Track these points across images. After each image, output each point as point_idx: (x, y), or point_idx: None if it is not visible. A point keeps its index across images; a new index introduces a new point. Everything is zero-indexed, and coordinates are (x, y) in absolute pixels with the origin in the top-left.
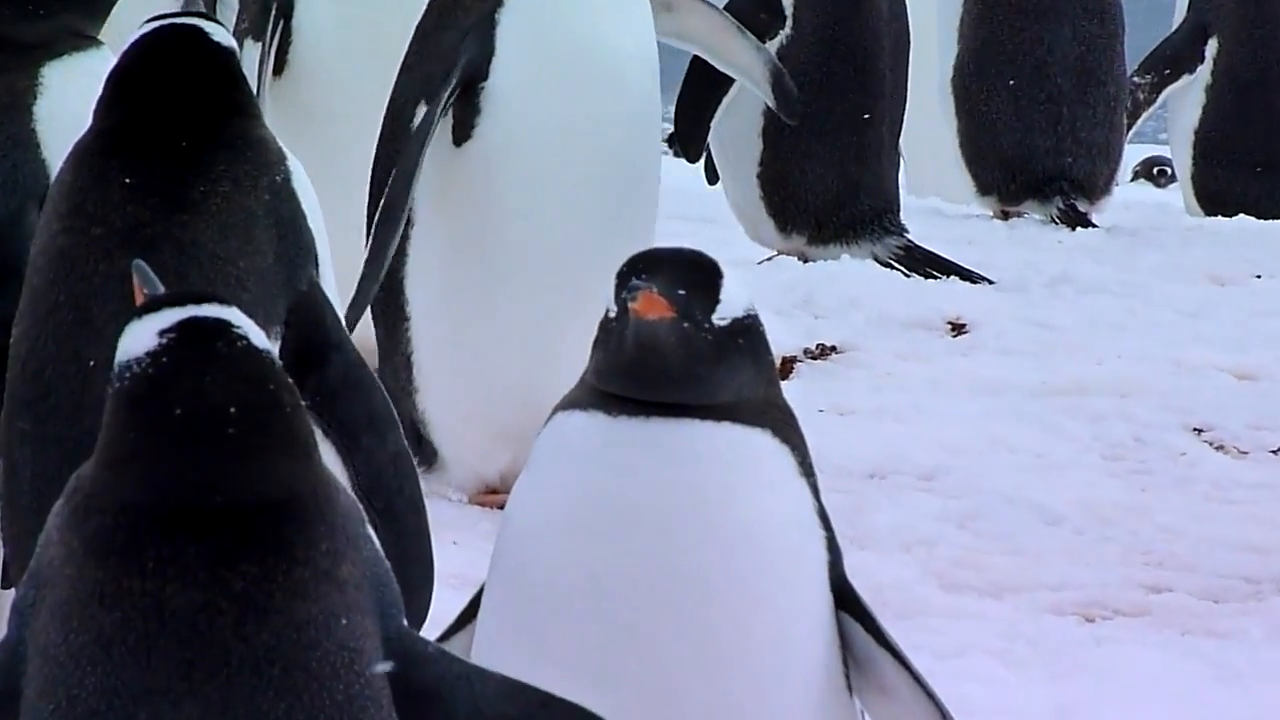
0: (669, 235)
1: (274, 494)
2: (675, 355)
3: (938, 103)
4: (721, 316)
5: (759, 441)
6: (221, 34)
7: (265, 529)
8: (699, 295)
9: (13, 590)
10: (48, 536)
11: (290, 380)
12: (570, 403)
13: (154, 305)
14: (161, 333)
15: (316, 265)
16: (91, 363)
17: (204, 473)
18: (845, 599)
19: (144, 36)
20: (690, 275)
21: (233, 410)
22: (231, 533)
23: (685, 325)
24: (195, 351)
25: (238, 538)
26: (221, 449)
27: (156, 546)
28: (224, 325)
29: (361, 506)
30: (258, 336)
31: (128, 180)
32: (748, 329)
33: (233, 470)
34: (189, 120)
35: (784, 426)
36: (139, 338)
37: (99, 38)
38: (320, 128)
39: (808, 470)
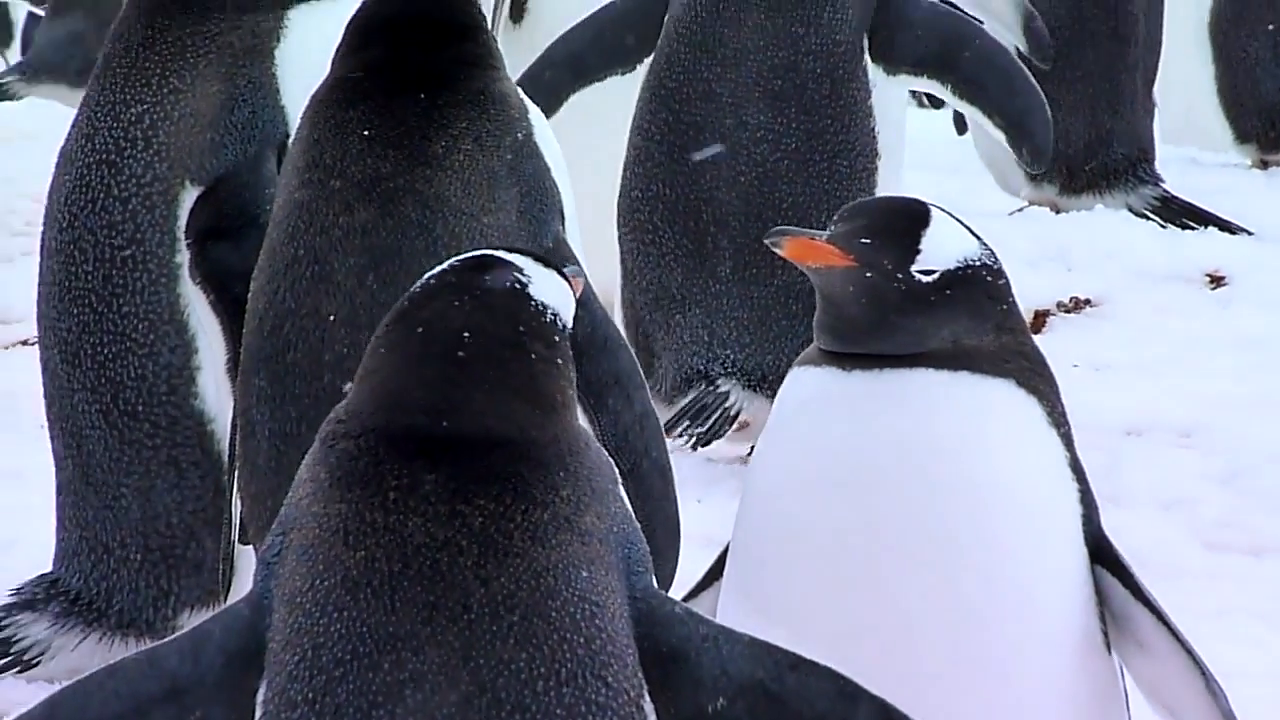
0: (916, 186)
1: (505, 431)
2: (855, 304)
3: (1193, 48)
4: (923, 266)
5: (1000, 391)
6: None
7: (499, 465)
8: (892, 244)
9: (250, 548)
10: (298, 479)
11: (559, 338)
12: (806, 358)
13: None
14: (450, 264)
15: (562, 220)
16: (331, 318)
17: (428, 394)
18: (1101, 553)
19: None
20: (886, 224)
21: (467, 337)
22: (464, 465)
23: (869, 275)
24: (459, 280)
25: (471, 471)
26: (447, 372)
27: (395, 475)
28: (506, 264)
29: (614, 465)
30: (545, 291)
31: (367, 133)
32: (960, 278)
33: (457, 396)
34: (430, 72)
35: (1031, 376)
36: (438, 268)
37: None
38: None
39: (1058, 420)
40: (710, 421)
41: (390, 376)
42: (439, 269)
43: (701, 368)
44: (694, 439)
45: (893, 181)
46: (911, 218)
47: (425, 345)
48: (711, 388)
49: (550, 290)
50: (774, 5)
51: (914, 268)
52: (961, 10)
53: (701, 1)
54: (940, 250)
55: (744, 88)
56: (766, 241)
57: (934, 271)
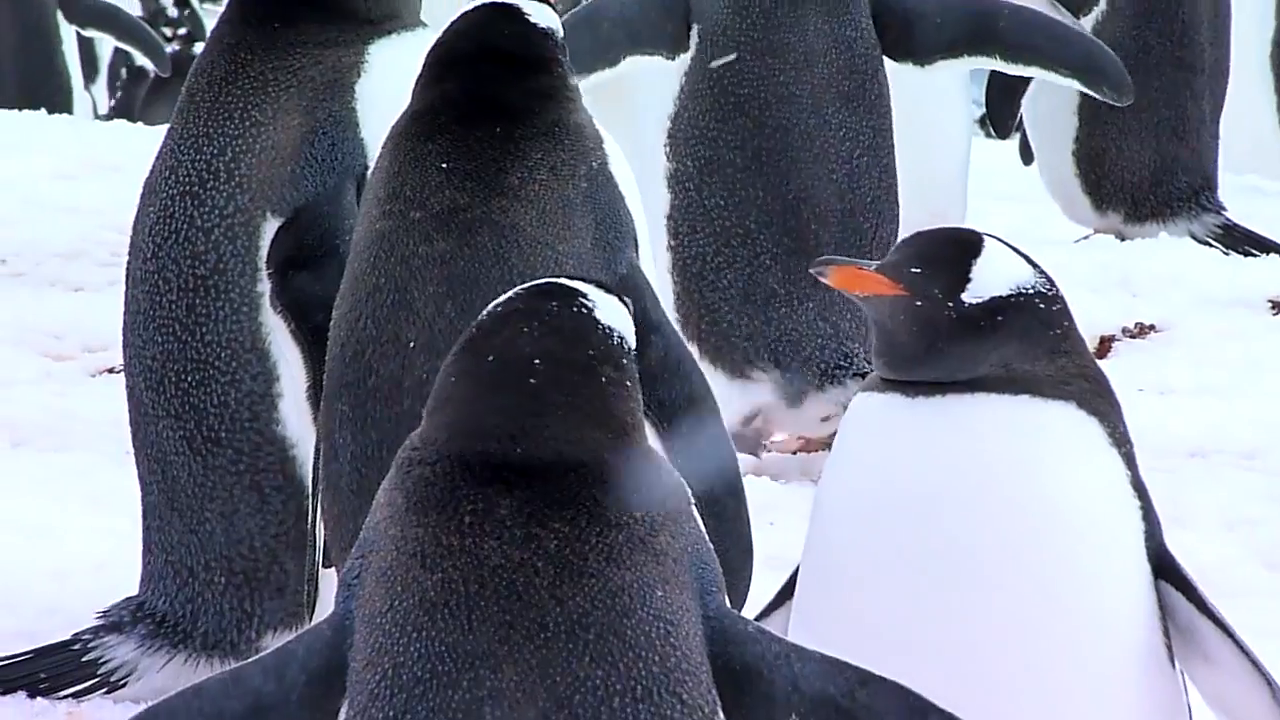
0: (981, 214)
1: (579, 455)
2: (907, 333)
3: (1258, 77)
4: (973, 294)
5: (1061, 413)
6: (542, 14)
7: (573, 488)
8: (942, 273)
9: (333, 569)
10: (376, 503)
11: (627, 361)
12: (869, 385)
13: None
14: (516, 292)
15: (635, 247)
16: (411, 344)
17: (504, 421)
18: (1165, 568)
19: (464, 16)
20: (937, 253)
21: (539, 364)
22: (540, 489)
23: (919, 303)
24: (528, 306)
25: (547, 495)
26: (522, 400)
27: (471, 500)
28: (567, 290)
29: (687, 486)
30: (610, 315)
31: (445, 164)
32: (1013, 305)
33: (532, 423)
34: (505, 105)
35: (1092, 397)
36: (504, 296)
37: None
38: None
39: (1120, 440)
40: None
41: (464, 404)
42: (504, 298)
43: (834, 360)
44: None
45: (960, 174)
46: (962, 246)
47: (498, 373)
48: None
49: (614, 314)
50: (828, 9)
51: (964, 295)
52: None
53: (752, 8)
54: (991, 278)
55: (819, 89)
56: (812, 271)
57: (984, 298)
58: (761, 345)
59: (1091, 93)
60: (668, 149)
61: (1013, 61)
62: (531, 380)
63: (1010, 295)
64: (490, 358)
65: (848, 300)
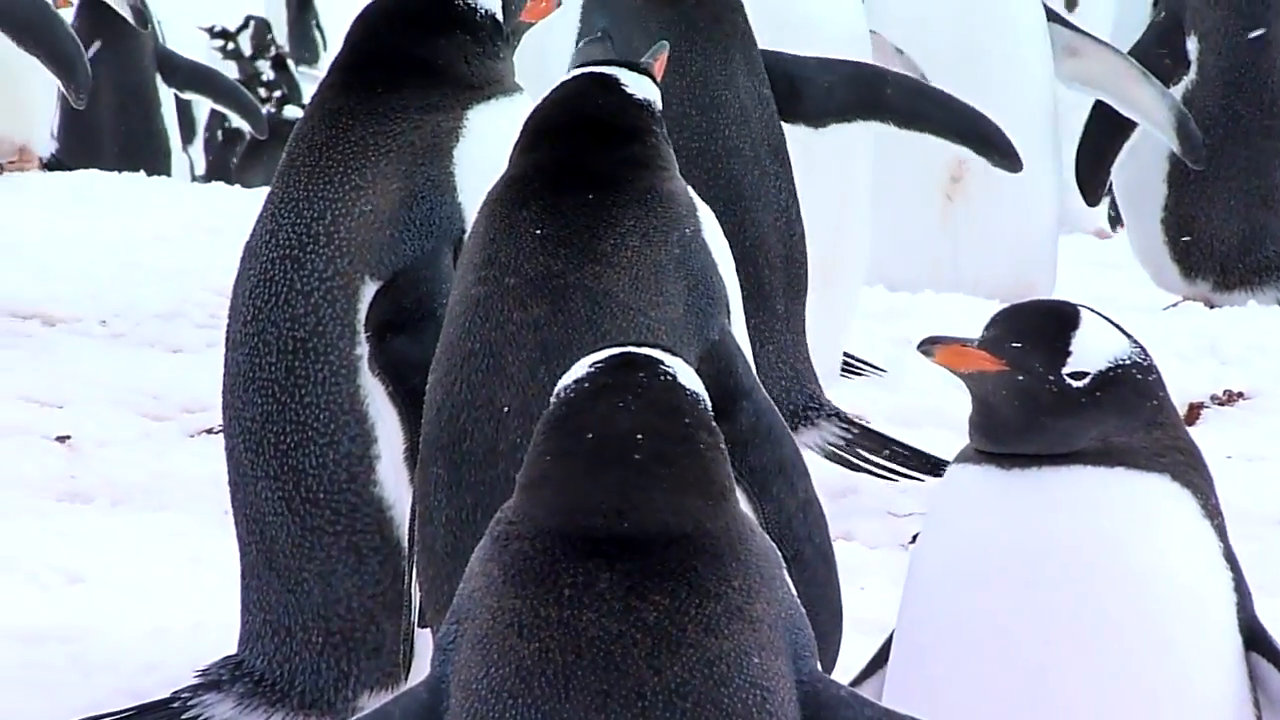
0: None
1: (682, 526)
2: (1008, 407)
3: None
4: (1074, 368)
5: (1155, 485)
6: (640, 85)
7: (675, 560)
8: (1042, 347)
9: (428, 630)
10: (470, 570)
11: (714, 424)
12: (963, 456)
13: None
14: (593, 363)
15: (728, 313)
16: (505, 409)
17: (609, 497)
18: (1256, 639)
19: (562, 84)
20: (1037, 327)
21: (641, 438)
22: (641, 562)
23: (1020, 378)
24: (616, 380)
25: (648, 568)
26: (627, 475)
27: (571, 574)
28: (651, 361)
29: (778, 551)
30: (689, 380)
31: (539, 231)
32: (1111, 378)
33: (638, 497)
34: (597, 173)
35: (1185, 469)
36: (574, 369)
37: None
38: None
39: (1212, 512)
40: None
41: (566, 482)
42: (584, 372)
43: (801, 402)
44: None
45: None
46: (1061, 320)
47: (599, 449)
48: None
49: (693, 379)
50: (750, 68)
51: (1065, 370)
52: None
53: (689, 68)
54: (1091, 352)
55: (756, 142)
56: (919, 350)
57: (1085, 374)
58: None
59: (981, 157)
60: None
61: (903, 127)
62: (636, 455)
63: (1109, 369)
64: (589, 435)
65: (801, 343)
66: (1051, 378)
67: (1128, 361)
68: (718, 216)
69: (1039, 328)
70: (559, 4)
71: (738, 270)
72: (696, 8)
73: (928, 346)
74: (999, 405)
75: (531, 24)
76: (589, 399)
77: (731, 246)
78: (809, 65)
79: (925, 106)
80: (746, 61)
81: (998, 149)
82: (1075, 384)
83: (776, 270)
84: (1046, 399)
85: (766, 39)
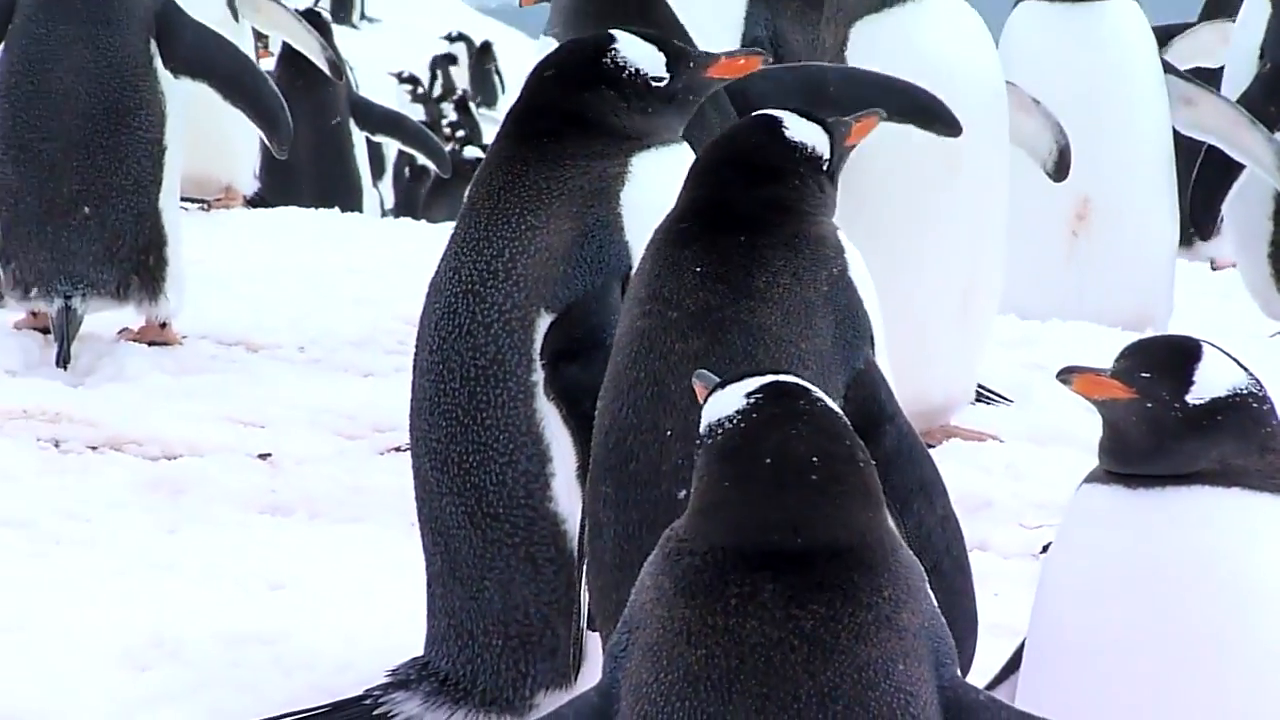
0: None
1: (849, 539)
2: (1136, 431)
3: None
4: (1196, 396)
5: (1270, 505)
6: (800, 128)
7: (834, 572)
8: (1168, 377)
9: (597, 634)
10: (640, 584)
11: (864, 445)
12: (1092, 477)
13: (735, 378)
14: (749, 395)
15: (872, 345)
16: (669, 433)
17: (789, 516)
18: None
19: (732, 126)
20: (1162, 359)
21: (815, 460)
22: (803, 574)
23: (1149, 405)
24: (781, 408)
25: (809, 579)
26: (805, 495)
27: (738, 585)
28: (803, 389)
29: (920, 564)
30: (834, 404)
31: (698, 269)
32: (1230, 405)
33: (815, 515)
34: (745, 214)
35: None
36: (727, 401)
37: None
38: None
39: None
40: None
41: (746, 504)
42: (747, 403)
43: None
44: None
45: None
46: (1186, 354)
47: (778, 473)
48: None
49: (835, 405)
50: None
51: (1189, 397)
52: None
53: None
54: (1212, 381)
55: None
56: (1058, 378)
57: (1206, 400)
58: None
59: (928, 131)
60: None
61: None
62: (812, 476)
63: (1228, 396)
64: (767, 460)
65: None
66: (1176, 405)
67: (1244, 391)
68: None
69: (1166, 360)
70: (761, 64)
71: None
72: None
73: (1066, 375)
74: (1128, 430)
75: (719, 81)
76: (762, 427)
77: None
78: (753, 77)
79: (867, 93)
80: None
81: (940, 120)
82: (1196, 410)
83: None
84: (1170, 424)
85: None
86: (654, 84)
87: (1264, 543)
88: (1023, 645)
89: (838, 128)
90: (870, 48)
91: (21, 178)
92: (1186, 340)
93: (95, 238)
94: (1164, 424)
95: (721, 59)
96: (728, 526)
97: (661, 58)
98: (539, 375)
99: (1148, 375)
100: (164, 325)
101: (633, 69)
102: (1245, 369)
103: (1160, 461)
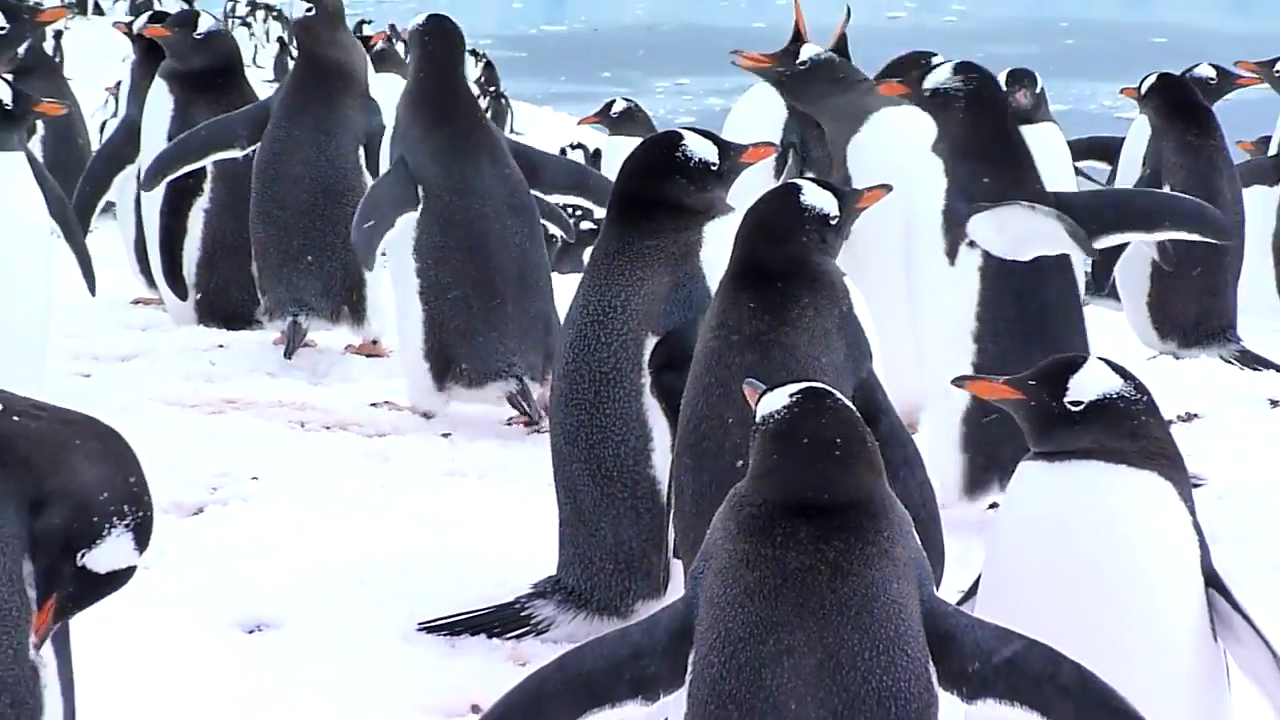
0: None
1: (860, 496)
2: (1026, 423)
3: (1259, 256)
4: (1071, 398)
5: (1143, 477)
6: (815, 195)
7: (850, 518)
8: (1049, 384)
9: (680, 562)
10: (713, 526)
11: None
12: (1028, 456)
13: (779, 384)
14: (791, 395)
15: (871, 360)
16: (730, 420)
17: (819, 479)
18: (1211, 579)
19: (758, 201)
20: (1048, 371)
21: (838, 440)
22: (829, 519)
23: (1033, 404)
24: (814, 404)
25: (832, 523)
26: (830, 464)
27: (783, 527)
28: (827, 391)
29: (908, 514)
30: (844, 399)
31: (750, 306)
32: (1098, 405)
33: (837, 478)
34: (786, 265)
35: (1169, 468)
36: (776, 399)
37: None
38: None
39: (1186, 496)
40: None
41: (790, 470)
42: (790, 400)
43: None
44: None
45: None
46: (1066, 367)
47: (813, 449)
48: None
49: (846, 400)
50: None
51: (1066, 399)
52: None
53: None
54: (1084, 387)
55: None
56: (951, 383)
57: (1078, 401)
58: None
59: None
60: None
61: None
62: (836, 452)
63: (1096, 399)
64: (805, 439)
65: None
66: (1054, 404)
67: (1113, 394)
68: None
69: (1050, 372)
70: (776, 153)
71: None
72: None
73: (960, 381)
74: (1022, 421)
75: (750, 164)
76: (801, 417)
77: None
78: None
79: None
80: None
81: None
82: (1070, 408)
83: None
84: (1051, 418)
85: None
86: (711, 169)
87: (1142, 503)
88: (979, 578)
89: (849, 195)
90: (859, 157)
91: (267, 235)
92: (1071, 358)
93: (316, 278)
94: (1047, 417)
95: (749, 148)
96: (776, 486)
97: (715, 148)
98: (646, 380)
99: (1034, 382)
100: (375, 342)
101: (697, 159)
102: (1127, 379)
103: (1047, 444)
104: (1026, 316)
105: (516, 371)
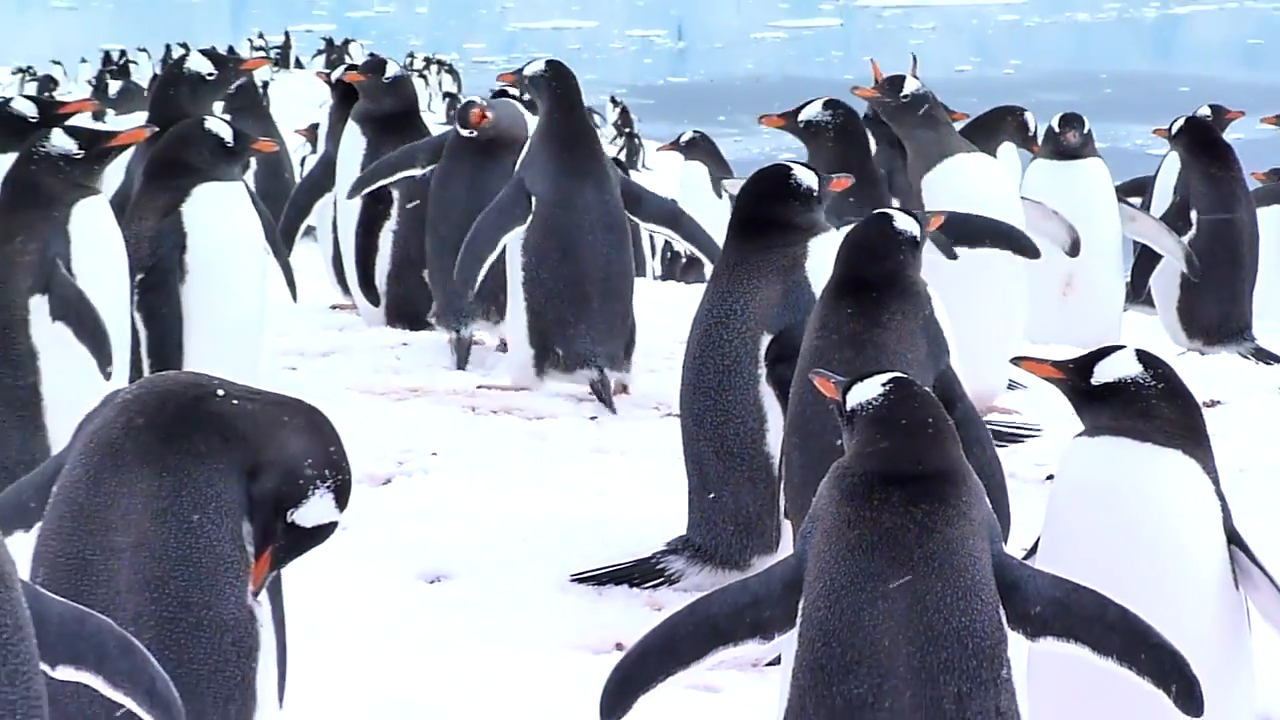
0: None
1: (943, 467)
2: (1067, 397)
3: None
4: (1096, 379)
5: (1170, 454)
6: (905, 221)
7: (936, 485)
8: (1080, 368)
9: (790, 523)
10: (819, 493)
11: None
12: (1079, 433)
13: (865, 375)
14: (884, 384)
15: (948, 355)
16: (830, 406)
17: (910, 453)
18: (1233, 538)
19: (859, 225)
20: (1083, 359)
21: (926, 420)
22: (918, 486)
23: (1067, 382)
24: (904, 392)
25: (920, 489)
26: (919, 441)
27: (879, 494)
28: (912, 381)
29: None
30: (926, 388)
31: (849, 310)
32: (1114, 386)
33: (924, 452)
34: (881, 278)
35: (1194, 447)
36: (870, 388)
37: None
38: None
39: (1210, 470)
40: None
41: (890, 445)
42: (885, 388)
43: None
44: None
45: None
46: (1097, 355)
47: (909, 429)
48: None
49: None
50: None
51: (1092, 380)
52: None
53: None
54: (1104, 372)
55: None
56: (1011, 362)
57: (1098, 383)
58: None
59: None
60: None
61: None
62: (929, 430)
63: (1113, 381)
64: (903, 420)
65: None
66: (1081, 383)
67: (1128, 378)
68: None
69: (1084, 359)
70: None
71: None
72: None
73: (1017, 360)
74: (1067, 397)
75: (838, 191)
76: (895, 402)
77: None
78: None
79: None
80: None
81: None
82: (1093, 388)
83: None
84: (1078, 395)
85: None
86: (813, 194)
87: (1170, 474)
88: (1039, 538)
89: (923, 219)
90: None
91: (434, 250)
92: (1109, 348)
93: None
94: (1078, 393)
95: (834, 179)
96: (874, 459)
97: (815, 177)
98: (762, 371)
99: (1071, 365)
100: None
101: (804, 185)
102: (1152, 366)
103: (1083, 418)
104: None
105: (599, 362)
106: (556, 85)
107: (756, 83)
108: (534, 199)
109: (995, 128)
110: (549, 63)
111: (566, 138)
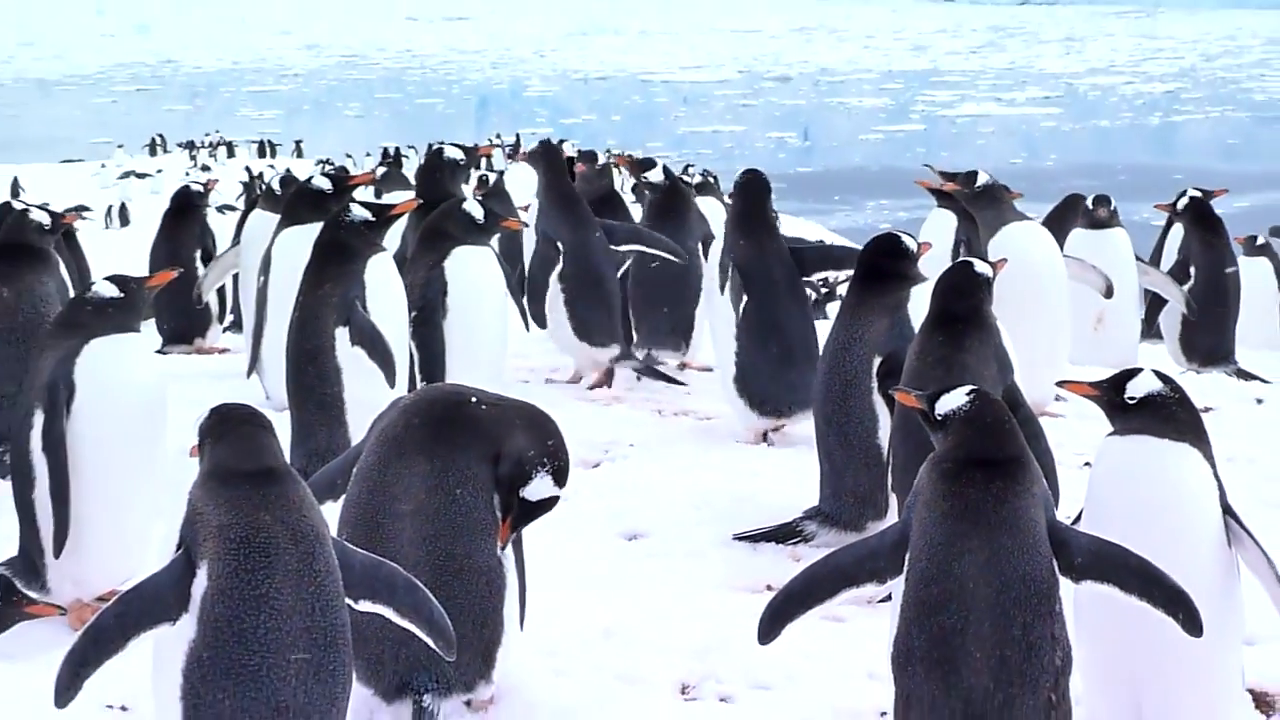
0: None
1: (1014, 454)
2: (1102, 410)
3: (1260, 310)
4: (1128, 395)
5: (1179, 447)
6: (982, 267)
7: (1007, 468)
8: (1114, 386)
9: (895, 495)
10: (920, 474)
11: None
12: (1110, 432)
13: (951, 387)
14: (967, 394)
15: (1013, 373)
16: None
17: (992, 444)
18: (1227, 510)
19: (947, 271)
20: (1115, 378)
21: (1001, 420)
22: (996, 468)
23: (1103, 398)
24: (984, 400)
25: (997, 470)
26: (998, 435)
27: (966, 474)
28: (988, 393)
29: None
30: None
31: (939, 339)
32: (1144, 400)
33: (1002, 442)
34: (967, 313)
35: (1197, 442)
36: (957, 397)
37: None
38: None
39: (1209, 459)
40: None
41: (976, 439)
42: (969, 396)
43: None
44: None
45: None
46: (1127, 375)
47: (991, 427)
48: None
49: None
50: None
51: (1125, 395)
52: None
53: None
54: (1136, 388)
55: None
56: (1055, 385)
57: (1134, 398)
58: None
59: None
60: None
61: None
62: (1006, 426)
63: (1144, 395)
64: (988, 420)
65: None
66: (1116, 398)
67: (1155, 393)
68: None
69: (1116, 379)
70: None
71: None
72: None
73: (1061, 383)
74: (1101, 409)
75: (925, 254)
76: (981, 408)
77: None
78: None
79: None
80: None
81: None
82: (1126, 402)
83: None
84: (1114, 408)
85: None
86: (913, 254)
87: (1178, 462)
88: (1081, 512)
89: (996, 266)
90: (998, 250)
91: (632, 293)
92: (1135, 370)
93: (660, 320)
94: (1114, 407)
95: (922, 244)
96: (965, 448)
97: (914, 242)
98: (874, 384)
99: (1106, 385)
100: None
101: (910, 248)
102: (1168, 382)
103: (1117, 424)
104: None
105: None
106: (548, 159)
107: (862, 171)
108: (560, 243)
109: (1072, 206)
110: (541, 143)
111: (566, 197)
